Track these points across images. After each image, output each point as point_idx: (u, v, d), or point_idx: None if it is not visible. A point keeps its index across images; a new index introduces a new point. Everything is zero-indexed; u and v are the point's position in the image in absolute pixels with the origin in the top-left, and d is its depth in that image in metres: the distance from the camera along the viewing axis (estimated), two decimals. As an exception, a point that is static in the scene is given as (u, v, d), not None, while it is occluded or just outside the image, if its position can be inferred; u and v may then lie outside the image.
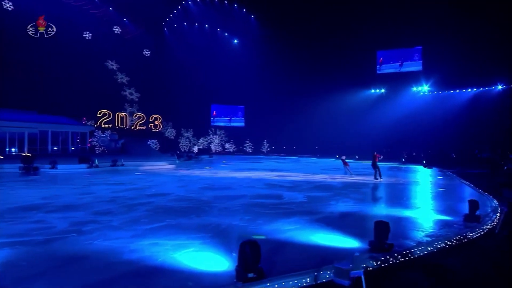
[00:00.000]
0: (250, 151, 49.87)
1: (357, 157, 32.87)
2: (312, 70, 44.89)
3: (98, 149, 36.08)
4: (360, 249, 5.95)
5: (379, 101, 43.87)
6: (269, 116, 46.81)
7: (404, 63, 42.19)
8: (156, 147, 41.14)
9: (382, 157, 17.65)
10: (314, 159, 36.81)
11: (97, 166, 22.27)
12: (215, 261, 5.41)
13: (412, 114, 38.84)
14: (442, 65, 36.53)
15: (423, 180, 17.58)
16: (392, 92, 43.72)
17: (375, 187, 14.78)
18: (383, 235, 5.89)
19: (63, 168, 20.68)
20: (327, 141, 43.47)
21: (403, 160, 30.49)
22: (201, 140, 48.77)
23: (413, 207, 9.92)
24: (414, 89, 42.11)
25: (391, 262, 5.40)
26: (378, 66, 44.49)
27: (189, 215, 8.54)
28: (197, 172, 20.38)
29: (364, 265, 5.04)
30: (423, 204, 10.50)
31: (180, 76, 43.60)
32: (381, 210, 9.43)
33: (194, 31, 46.95)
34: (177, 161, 27.76)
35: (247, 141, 50.33)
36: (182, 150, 43.34)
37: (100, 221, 7.86)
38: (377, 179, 15.75)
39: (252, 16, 47.03)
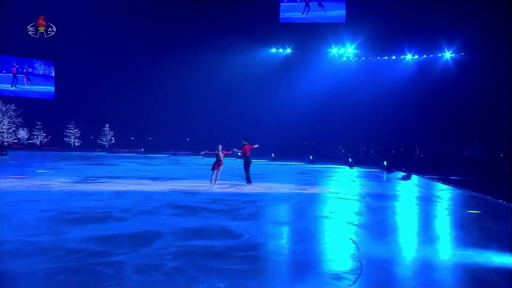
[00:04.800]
0: (78, 144, 48.03)
1: (273, 155, 36.68)
2: (178, 7, 43.07)
3: None
4: None
5: (283, 67, 44.97)
6: (103, 83, 44.72)
7: (321, 8, 43.23)
8: None
9: (231, 152, 18.46)
10: (199, 159, 34.51)
11: None
12: None
13: (334, 89, 40.79)
14: (373, 19, 38.91)
15: (423, 194, 17.50)
16: (302, 54, 45.08)
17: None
18: None
19: None
20: (209, 130, 43.00)
21: (350, 160, 31.45)
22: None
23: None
24: (334, 51, 44.06)
25: None
26: (281, 11, 44.90)
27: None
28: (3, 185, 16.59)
29: None
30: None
31: None
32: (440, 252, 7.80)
33: None
34: None
35: (70, 126, 47.98)
36: None
37: None
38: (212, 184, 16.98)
39: None
